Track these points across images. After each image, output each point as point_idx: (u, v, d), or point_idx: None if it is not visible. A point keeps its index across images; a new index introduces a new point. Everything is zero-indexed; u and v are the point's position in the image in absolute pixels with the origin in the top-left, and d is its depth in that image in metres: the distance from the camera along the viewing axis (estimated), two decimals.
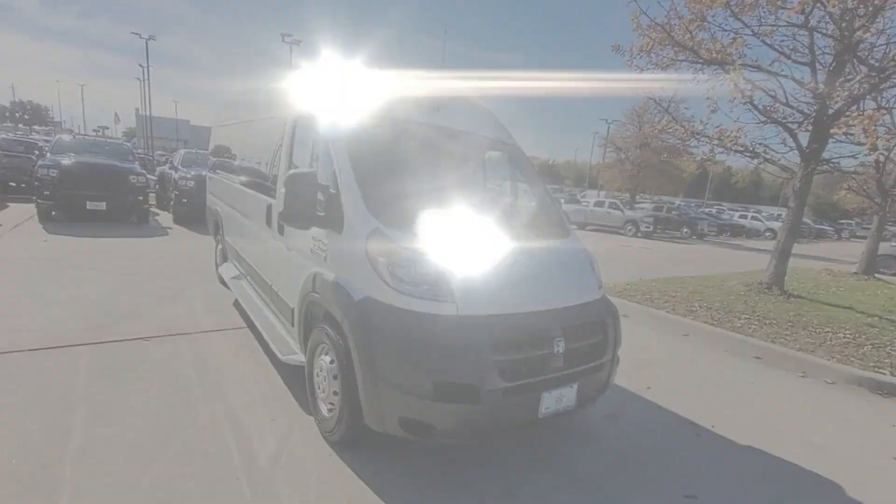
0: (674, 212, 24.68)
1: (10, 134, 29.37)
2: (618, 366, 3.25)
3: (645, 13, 7.44)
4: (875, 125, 6.18)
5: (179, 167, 11.88)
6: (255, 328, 4.30)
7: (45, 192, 9.36)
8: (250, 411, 3.27)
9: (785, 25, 7.46)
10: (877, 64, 6.95)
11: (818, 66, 7.75)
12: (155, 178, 14.42)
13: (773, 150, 8.45)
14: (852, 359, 5.28)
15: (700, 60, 7.76)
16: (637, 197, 35.54)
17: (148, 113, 38.73)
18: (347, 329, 2.61)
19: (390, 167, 3.47)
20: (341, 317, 2.66)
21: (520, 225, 3.85)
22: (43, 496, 2.30)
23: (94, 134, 65.16)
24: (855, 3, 6.58)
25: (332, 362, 2.85)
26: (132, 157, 12.00)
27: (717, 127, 8.22)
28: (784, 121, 8.02)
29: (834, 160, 8.89)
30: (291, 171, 2.92)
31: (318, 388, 3.03)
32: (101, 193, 9.73)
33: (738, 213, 34.86)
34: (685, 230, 23.49)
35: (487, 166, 4.36)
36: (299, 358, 3.35)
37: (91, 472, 2.50)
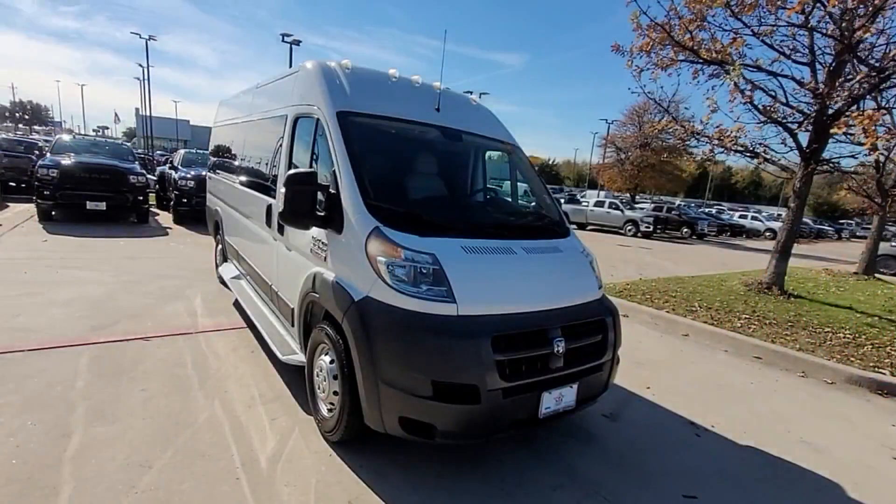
0: (674, 212, 24.67)
1: (10, 134, 29.44)
2: (618, 366, 3.25)
3: (645, 13, 7.44)
4: (875, 125, 6.19)
5: (179, 167, 11.89)
6: (254, 328, 4.30)
7: (45, 192, 9.37)
8: (250, 411, 3.27)
9: (785, 25, 7.47)
10: (877, 64, 6.95)
11: (818, 66, 7.76)
12: (155, 178, 14.43)
13: (773, 150, 8.47)
14: (852, 359, 5.28)
15: (700, 60, 7.76)
16: (637, 197, 35.56)
17: (148, 113, 38.73)
18: (347, 329, 2.62)
19: (390, 167, 3.48)
20: (341, 317, 2.66)
21: (519, 225, 3.85)
22: (43, 496, 2.30)
23: (94, 134, 65.33)
24: (855, 3, 6.58)
25: (332, 362, 2.85)
26: (132, 157, 12.01)
27: (717, 127, 8.23)
28: (784, 121, 8.02)
29: (834, 160, 8.91)
30: (291, 171, 2.92)
31: (318, 388, 3.03)
32: (101, 193, 9.74)
33: (738, 213, 34.89)
34: (685, 230, 23.50)
35: (487, 166, 4.36)
36: (299, 358, 3.35)
37: (91, 472, 2.50)
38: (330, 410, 2.93)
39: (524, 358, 2.58)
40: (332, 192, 2.94)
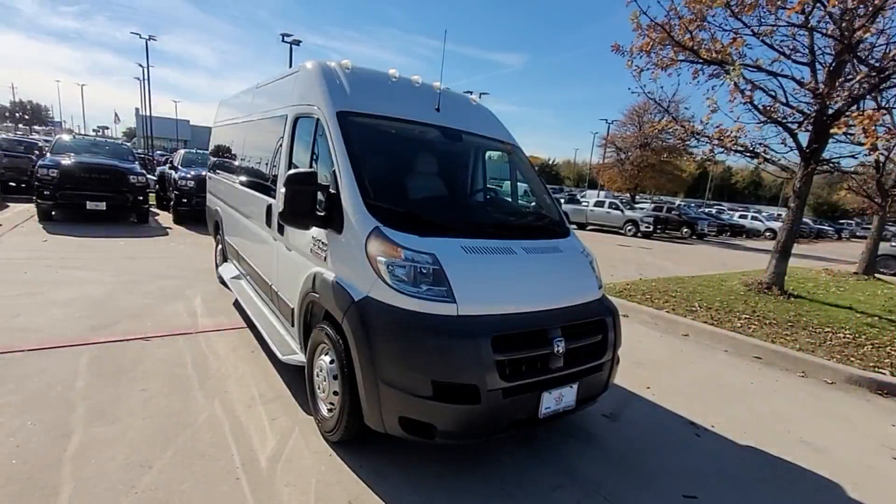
0: (674, 212, 24.68)
1: (10, 134, 29.45)
2: (618, 366, 3.25)
3: (645, 13, 7.44)
4: (875, 125, 6.18)
5: (179, 167, 11.89)
6: (254, 328, 4.30)
7: (45, 192, 9.37)
8: (250, 411, 3.27)
9: (785, 25, 7.47)
10: (877, 64, 6.95)
11: (818, 66, 7.76)
12: (155, 178, 14.43)
13: (773, 150, 8.47)
14: (852, 359, 5.28)
15: (700, 60, 7.76)
16: (637, 197, 35.56)
17: (148, 113, 38.76)
18: (347, 329, 2.62)
19: (390, 167, 3.48)
20: (341, 317, 2.66)
21: (519, 225, 3.85)
22: (43, 496, 2.30)
23: (94, 134, 65.42)
24: (855, 3, 6.58)
25: (332, 362, 2.85)
26: (132, 157, 12.01)
27: (717, 127, 8.23)
28: (784, 121, 8.02)
29: (834, 160, 8.91)
30: (291, 171, 2.92)
31: (318, 388, 3.03)
32: (101, 193, 9.75)
33: (738, 213, 34.89)
34: (685, 230, 23.50)
35: (487, 166, 4.36)
36: (299, 358, 3.35)
37: (91, 472, 2.50)
38: (330, 410, 2.93)
39: (524, 358, 2.58)
40: (332, 192, 2.94)
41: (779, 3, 7.04)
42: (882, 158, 10.53)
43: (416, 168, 3.54)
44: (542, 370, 2.65)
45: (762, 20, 7.52)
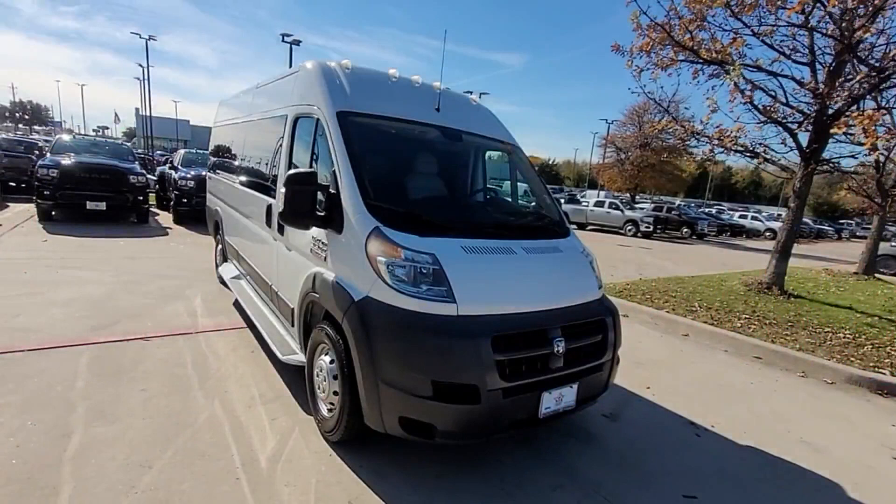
0: (674, 212, 24.68)
1: (10, 134, 29.46)
2: (618, 366, 3.25)
3: (645, 13, 7.44)
4: (875, 125, 6.18)
5: (179, 167, 11.89)
6: (254, 328, 4.31)
7: (45, 192, 9.37)
8: (250, 411, 3.27)
9: (785, 25, 7.47)
10: (877, 64, 6.95)
11: (818, 66, 7.76)
12: (155, 178, 14.43)
13: (773, 150, 8.47)
14: (852, 359, 5.28)
15: (700, 60, 7.76)
16: (637, 197, 35.56)
17: (148, 113, 38.77)
18: (347, 329, 2.62)
19: (390, 167, 3.48)
20: (341, 317, 2.66)
21: (519, 225, 3.85)
22: (43, 496, 2.30)
23: (94, 134, 65.44)
24: (855, 3, 6.58)
25: (332, 362, 2.85)
26: (132, 157, 12.01)
27: (717, 127, 8.23)
28: (784, 121, 8.02)
29: (834, 160, 8.91)
30: (291, 171, 2.92)
31: (318, 388, 3.03)
32: (101, 193, 9.75)
33: (738, 213, 34.90)
34: (685, 230, 23.51)
35: (487, 166, 4.37)
36: (299, 358, 3.35)
37: (91, 472, 2.50)
38: (330, 410, 2.93)
39: (524, 358, 2.58)
40: (332, 192, 2.94)
41: (779, 3, 7.04)
42: (882, 158, 10.53)
43: (416, 168, 3.54)
44: (542, 370, 2.65)
45: (762, 20, 7.52)
